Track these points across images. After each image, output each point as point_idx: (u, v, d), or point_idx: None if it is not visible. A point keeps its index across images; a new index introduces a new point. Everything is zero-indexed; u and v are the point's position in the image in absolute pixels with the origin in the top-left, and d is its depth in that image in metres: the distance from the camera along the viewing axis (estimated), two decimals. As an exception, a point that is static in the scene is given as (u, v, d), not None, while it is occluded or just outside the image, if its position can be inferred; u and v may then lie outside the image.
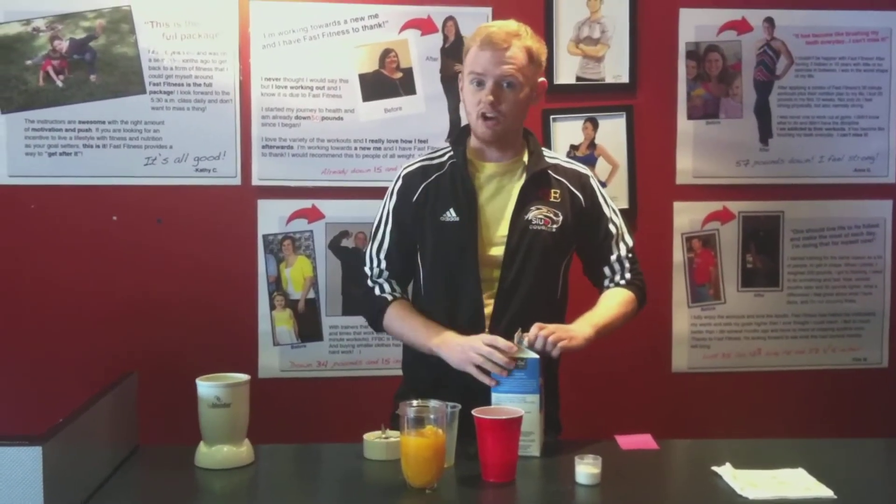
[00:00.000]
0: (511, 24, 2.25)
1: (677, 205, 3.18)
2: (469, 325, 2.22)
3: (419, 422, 1.90)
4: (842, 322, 3.26)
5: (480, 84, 2.21)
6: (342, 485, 2.04)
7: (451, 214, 2.25)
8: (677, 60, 3.14)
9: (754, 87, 3.18)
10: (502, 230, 2.25)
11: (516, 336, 2.10)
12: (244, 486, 2.00)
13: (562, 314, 2.32)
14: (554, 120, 3.10)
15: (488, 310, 2.24)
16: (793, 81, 3.19)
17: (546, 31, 3.05)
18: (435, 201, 2.28)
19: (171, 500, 1.93)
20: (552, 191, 2.29)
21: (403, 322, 2.29)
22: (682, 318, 3.20)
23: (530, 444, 2.06)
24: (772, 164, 3.19)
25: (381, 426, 2.14)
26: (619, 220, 2.37)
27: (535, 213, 2.26)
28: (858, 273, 3.25)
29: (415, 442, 1.87)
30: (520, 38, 2.21)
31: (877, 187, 3.25)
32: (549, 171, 2.31)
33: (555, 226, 2.27)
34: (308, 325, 3.08)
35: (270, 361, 3.05)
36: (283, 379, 3.06)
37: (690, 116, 3.16)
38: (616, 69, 3.13)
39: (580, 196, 2.32)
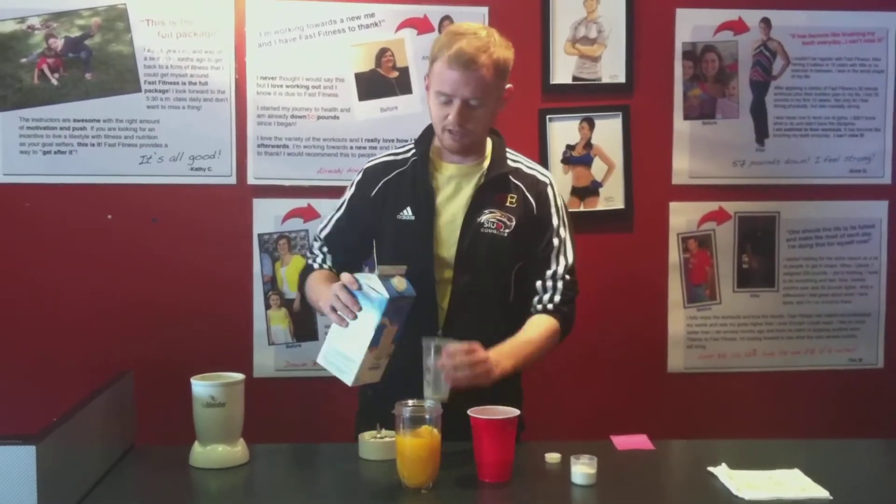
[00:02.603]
0: (480, 35, 2.16)
1: (673, 205, 3.17)
2: (424, 323, 2.18)
3: (415, 422, 1.90)
4: (837, 323, 3.26)
5: (448, 102, 2.17)
6: (338, 485, 2.04)
7: (407, 213, 2.26)
8: (674, 60, 3.14)
9: (750, 87, 3.18)
10: (456, 232, 2.24)
11: (378, 270, 2.06)
12: (239, 485, 2.00)
13: (517, 317, 2.25)
14: (550, 120, 3.09)
15: (443, 310, 2.23)
16: (789, 82, 3.19)
17: (542, 30, 3.06)
18: (393, 198, 2.28)
19: (165, 499, 1.92)
20: (509, 196, 2.27)
21: (310, 288, 2.31)
22: (678, 319, 3.20)
23: (347, 370, 2.03)
24: (768, 164, 3.19)
25: (376, 426, 2.14)
26: (565, 234, 2.30)
27: (489, 217, 2.24)
28: (854, 274, 3.25)
29: (410, 442, 1.87)
30: (488, 51, 2.13)
31: (873, 188, 3.25)
32: (510, 176, 2.29)
33: (507, 230, 2.24)
34: (303, 325, 3.07)
35: (265, 361, 3.04)
36: (279, 378, 3.05)
37: (687, 116, 3.16)
38: (612, 69, 3.12)
39: (533, 202, 2.29)
